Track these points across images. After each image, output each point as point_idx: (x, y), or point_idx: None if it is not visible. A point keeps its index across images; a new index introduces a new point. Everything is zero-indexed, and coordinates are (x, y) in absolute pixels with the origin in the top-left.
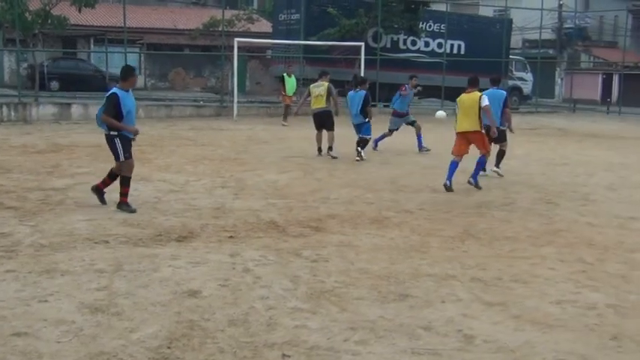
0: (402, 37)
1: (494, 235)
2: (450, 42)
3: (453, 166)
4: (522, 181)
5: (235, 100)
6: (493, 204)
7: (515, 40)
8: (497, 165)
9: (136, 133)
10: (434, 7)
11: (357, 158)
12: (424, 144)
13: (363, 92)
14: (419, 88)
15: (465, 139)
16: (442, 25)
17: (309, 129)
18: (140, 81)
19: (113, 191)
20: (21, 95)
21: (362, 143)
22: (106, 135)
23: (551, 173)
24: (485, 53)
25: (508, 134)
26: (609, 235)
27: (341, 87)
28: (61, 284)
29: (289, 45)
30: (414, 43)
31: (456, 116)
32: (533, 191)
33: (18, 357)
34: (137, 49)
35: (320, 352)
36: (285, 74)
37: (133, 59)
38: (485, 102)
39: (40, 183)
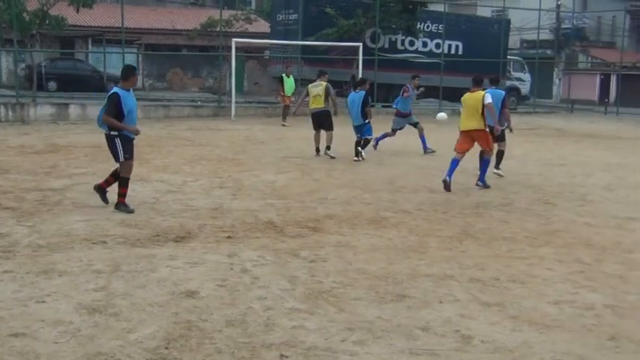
0: (399, 37)
1: (492, 236)
2: (447, 42)
3: (454, 163)
4: (520, 181)
5: (233, 100)
6: (491, 204)
7: (513, 41)
8: (497, 166)
9: (136, 133)
10: (432, 7)
11: (356, 158)
12: (429, 145)
13: (362, 92)
14: (422, 89)
15: (468, 137)
16: (440, 26)
17: (307, 129)
18: (138, 81)
19: (112, 192)
20: (19, 95)
21: (363, 144)
22: (106, 135)
23: (548, 174)
24: (483, 54)
25: (507, 134)
26: (607, 236)
27: (339, 87)
28: (59, 285)
29: (287, 45)
30: (411, 43)
31: (460, 115)
32: (531, 191)
33: (15, 357)
34: (135, 50)
35: (318, 353)
36: (283, 74)
37: (130, 60)
38: (489, 100)
39: (37, 183)
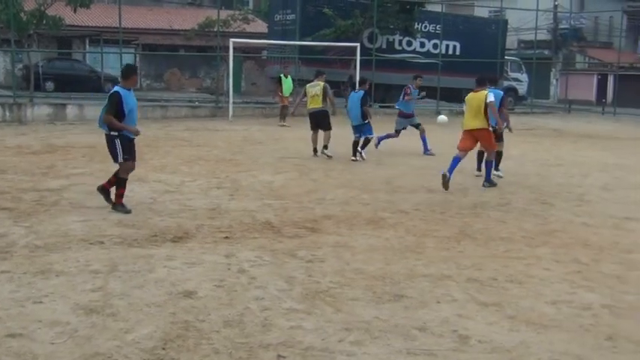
0: (397, 37)
1: (489, 236)
2: (445, 43)
3: (456, 160)
4: (518, 181)
5: (231, 100)
6: (489, 204)
7: (511, 41)
8: (496, 167)
9: (136, 133)
10: (429, 7)
11: (353, 158)
12: (429, 147)
13: (361, 92)
14: (423, 94)
15: (471, 136)
16: (437, 26)
17: (304, 129)
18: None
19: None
20: (16, 96)
21: (363, 143)
22: (106, 135)
23: (546, 174)
24: (480, 54)
25: (506, 134)
26: (604, 236)
27: (336, 88)
28: (56, 285)
29: (285, 45)
30: (409, 43)
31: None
32: (529, 192)
33: (12, 358)
34: (132, 50)
35: (315, 353)
36: (282, 75)
37: (128, 60)
38: (491, 98)
39: (34, 184)
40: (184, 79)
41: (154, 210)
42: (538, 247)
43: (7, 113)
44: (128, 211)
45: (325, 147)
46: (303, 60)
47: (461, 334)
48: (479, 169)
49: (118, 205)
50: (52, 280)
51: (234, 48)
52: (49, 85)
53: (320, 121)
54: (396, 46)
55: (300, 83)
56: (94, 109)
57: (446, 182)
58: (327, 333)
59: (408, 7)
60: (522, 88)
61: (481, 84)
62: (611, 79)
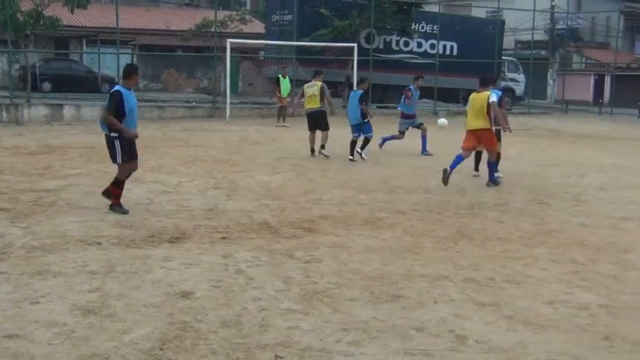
0: (394, 38)
1: (487, 236)
2: (442, 43)
3: (459, 158)
4: (515, 181)
5: (228, 101)
6: (486, 204)
7: (508, 41)
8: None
9: (135, 137)
10: (426, 8)
11: (351, 157)
12: (428, 148)
13: (360, 92)
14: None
15: (474, 136)
16: (435, 26)
17: (301, 130)
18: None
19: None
20: (13, 96)
21: (363, 144)
22: (106, 135)
23: (543, 174)
24: (477, 54)
25: (503, 135)
26: (601, 236)
27: (334, 88)
28: (53, 286)
29: (282, 46)
30: (406, 44)
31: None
32: (526, 192)
33: (10, 359)
34: (130, 50)
35: (312, 354)
36: (279, 75)
37: (125, 60)
38: (493, 98)
39: (31, 184)
40: (181, 80)
41: (151, 211)
42: (535, 247)
43: (4, 114)
44: (125, 212)
45: (322, 147)
46: (300, 60)
47: (458, 334)
48: (476, 169)
49: (116, 206)
50: (49, 280)
51: (231, 48)
52: (46, 85)
53: (318, 121)
54: (394, 47)
55: (297, 84)
56: (91, 109)
57: (446, 177)
58: (325, 333)
59: (405, 7)
60: (519, 89)
61: (484, 84)
62: (607, 80)
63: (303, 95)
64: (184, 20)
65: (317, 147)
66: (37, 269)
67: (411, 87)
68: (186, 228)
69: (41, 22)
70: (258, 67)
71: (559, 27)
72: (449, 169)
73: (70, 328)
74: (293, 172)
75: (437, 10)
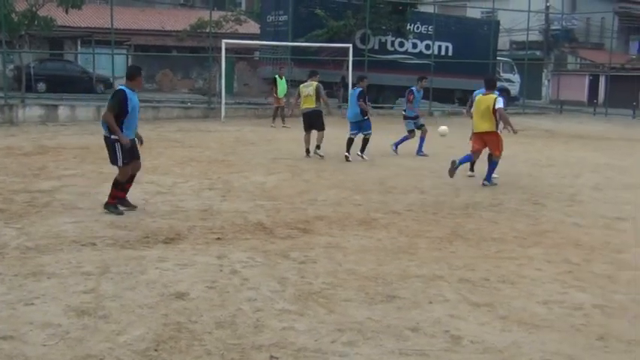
0: (389, 38)
1: (481, 236)
2: (437, 43)
3: (469, 156)
4: (509, 182)
5: (223, 101)
6: (481, 205)
7: (503, 42)
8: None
9: (127, 145)
10: (421, 8)
11: (347, 154)
12: (424, 149)
13: (358, 89)
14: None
15: (480, 139)
16: (430, 27)
17: (297, 130)
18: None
19: (100, 193)
20: (7, 97)
21: (363, 145)
22: (105, 137)
23: (537, 174)
24: (472, 55)
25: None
26: (595, 236)
27: (329, 88)
28: (48, 287)
29: (277, 46)
30: (401, 44)
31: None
32: (520, 192)
33: None
34: (124, 51)
35: (307, 354)
36: (276, 76)
37: (120, 61)
38: (500, 104)
39: (26, 185)
40: (176, 80)
41: (146, 211)
42: (530, 248)
43: None
44: (120, 213)
45: (318, 147)
46: (295, 61)
47: (453, 335)
48: (471, 169)
49: (111, 206)
50: (43, 282)
51: (226, 49)
52: (41, 86)
53: (314, 121)
54: (389, 47)
55: (292, 84)
56: (86, 110)
57: (452, 169)
58: (320, 334)
59: (400, 8)
60: (514, 89)
61: (490, 86)
62: (602, 80)
63: (299, 96)
64: (179, 21)
65: (312, 147)
66: (32, 270)
67: (413, 89)
68: (181, 229)
69: (36, 22)
70: (254, 68)
71: (554, 28)
72: (457, 161)
73: (65, 330)
74: (288, 173)
75: (432, 11)
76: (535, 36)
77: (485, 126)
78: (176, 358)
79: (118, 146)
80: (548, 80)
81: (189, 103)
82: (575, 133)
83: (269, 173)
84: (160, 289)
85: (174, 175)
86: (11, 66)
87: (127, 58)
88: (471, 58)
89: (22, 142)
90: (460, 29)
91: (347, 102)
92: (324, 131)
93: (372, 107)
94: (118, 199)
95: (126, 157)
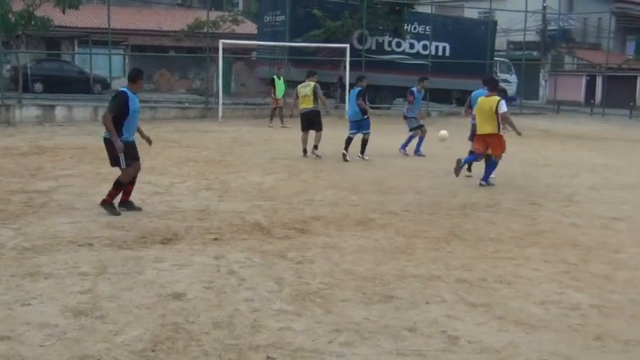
0: (387, 38)
1: (478, 236)
2: (434, 44)
3: (474, 156)
4: (506, 182)
5: (220, 101)
6: (478, 205)
7: (500, 42)
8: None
9: (120, 150)
10: (419, 9)
11: (344, 152)
12: (421, 149)
13: (358, 89)
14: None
15: (483, 141)
16: (427, 27)
17: (294, 130)
18: (125, 83)
19: (98, 194)
20: (4, 97)
21: (363, 145)
22: (105, 139)
23: (535, 174)
24: (469, 55)
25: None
26: (592, 236)
27: (326, 89)
28: (45, 287)
29: (274, 47)
30: (399, 44)
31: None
32: (517, 192)
33: None
34: (122, 51)
35: (305, 354)
36: (275, 76)
37: (117, 61)
38: (504, 109)
39: (23, 185)
40: (174, 80)
41: (143, 211)
42: (527, 248)
43: None
44: (117, 214)
45: (315, 147)
46: (292, 61)
47: (450, 335)
48: (469, 169)
49: (109, 205)
50: (40, 282)
51: (223, 49)
52: (38, 86)
53: (311, 121)
54: (386, 48)
55: (290, 84)
56: (83, 110)
57: (457, 168)
58: (317, 334)
59: (397, 8)
60: (511, 89)
61: (492, 88)
62: (599, 80)
63: (297, 96)
64: (176, 21)
65: (309, 148)
66: (29, 271)
67: (414, 89)
68: (178, 229)
69: (33, 22)
70: (251, 68)
71: (551, 28)
72: (462, 160)
73: (62, 330)
74: (285, 173)
75: (429, 11)
76: (532, 36)
77: (488, 128)
78: (173, 359)
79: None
80: (546, 80)
81: (186, 104)
82: (572, 134)
83: (266, 173)
84: (157, 289)
85: (172, 175)
86: (8, 66)
87: (125, 58)
88: (469, 59)
89: (19, 143)
90: (457, 29)
91: (344, 102)
92: (322, 131)
93: (370, 107)
94: (122, 202)
95: (128, 158)
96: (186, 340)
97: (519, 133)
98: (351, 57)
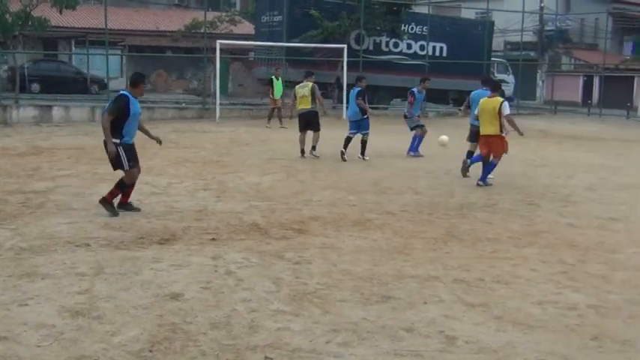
0: (384, 39)
1: (476, 237)
2: (432, 44)
3: (480, 156)
4: (504, 182)
5: (218, 102)
6: (475, 205)
7: (497, 43)
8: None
9: (112, 154)
10: (416, 9)
11: (343, 150)
12: (420, 149)
13: (357, 89)
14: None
15: (485, 142)
16: (424, 28)
17: (292, 131)
18: (122, 83)
19: (95, 194)
20: (1, 97)
21: (362, 147)
22: (105, 142)
23: (532, 175)
24: (467, 55)
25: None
26: (590, 236)
27: (324, 89)
28: (42, 288)
29: (272, 47)
30: (396, 45)
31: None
32: (515, 192)
33: None
34: (119, 51)
35: (302, 355)
36: (273, 77)
37: (114, 61)
38: (507, 111)
39: (20, 186)
40: (171, 81)
41: (141, 212)
42: (524, 248)
43: None
44: (116, 214)
45: (313, 147)
46: (290, 61)
47: (448, 335)
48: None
49: (108, 204)
50: (37, 282)
51: (221, 49)
52: (35, 86)
53: (309, 121)
54: (383, 48)
55: (287, 85)
56: (80, 110)
57: (464, 168)
58: (315, 334)
59: (394, 8)
60: (508, 90)
61: (494, 89)
62: (596, 81)
63: (295, 97)
64: (174, 21)
65: (307, 148)
66: (26, 271)
67: (414, 90)
68: (175, 229)
69: (30, 22)
70: (248, 69)
71: (548, 28)
72: (468, 161)
73: (59, 330)
74: (283, 173)
75: (426, 12)
76: (529, 37)
77: (490, 129)
78: (171, 359)
79: (121, 150)
80: (543, 81)
81: (183, 104)
82: (569, 134)
83: (264, 174)
84: (155, 289)
85: (169, 175)
86: (5, 67)
87: (122, 58)
88: (466, 59)
89: (16, 143)
90: (454, 30)
91: (342, 102)
92: (320, 132)
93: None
94: (121, 204)
95: (131, 159)
96: (184, 341)
97: (521, 134)
98: (348, 57)
